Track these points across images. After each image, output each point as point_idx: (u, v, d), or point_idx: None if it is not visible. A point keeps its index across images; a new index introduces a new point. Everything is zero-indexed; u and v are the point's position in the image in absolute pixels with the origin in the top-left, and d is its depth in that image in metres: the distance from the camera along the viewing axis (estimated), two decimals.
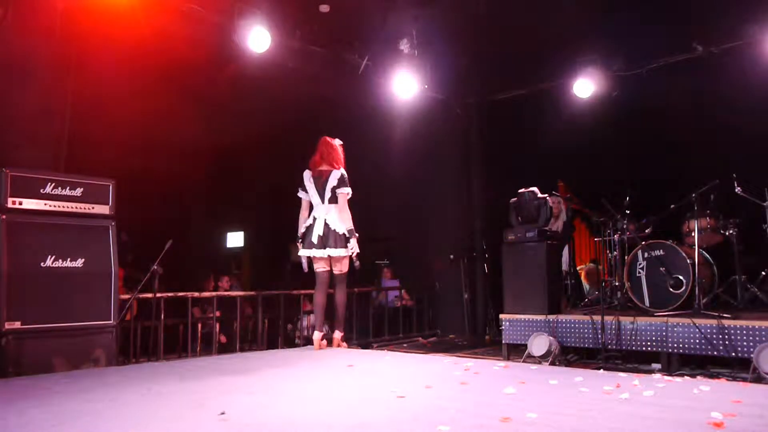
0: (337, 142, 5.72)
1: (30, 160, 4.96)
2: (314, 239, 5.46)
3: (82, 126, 6.23)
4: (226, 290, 8.67)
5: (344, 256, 5.52)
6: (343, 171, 5.58)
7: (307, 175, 5.66)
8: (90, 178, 5.04)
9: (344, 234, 5.46)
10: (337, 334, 5.72)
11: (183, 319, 6.57)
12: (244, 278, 10.41)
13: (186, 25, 6.03)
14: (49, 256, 4.68)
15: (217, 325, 6.78)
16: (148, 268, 5.64)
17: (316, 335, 5.53)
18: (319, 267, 5.61)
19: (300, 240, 5.60)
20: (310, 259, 5.58)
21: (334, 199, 5.51)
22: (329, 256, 5.47)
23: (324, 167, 5.60)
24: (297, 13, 6.79)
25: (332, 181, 5.51)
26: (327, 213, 5.51)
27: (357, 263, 5.56)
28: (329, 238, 5.43)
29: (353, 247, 5.47)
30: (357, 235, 5.53)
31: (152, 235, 6.29)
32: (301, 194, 5.70)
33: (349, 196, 5.58)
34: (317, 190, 5.57)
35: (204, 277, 8.93)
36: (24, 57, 5.05)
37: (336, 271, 5.62)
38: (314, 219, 5.55)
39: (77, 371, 4.60)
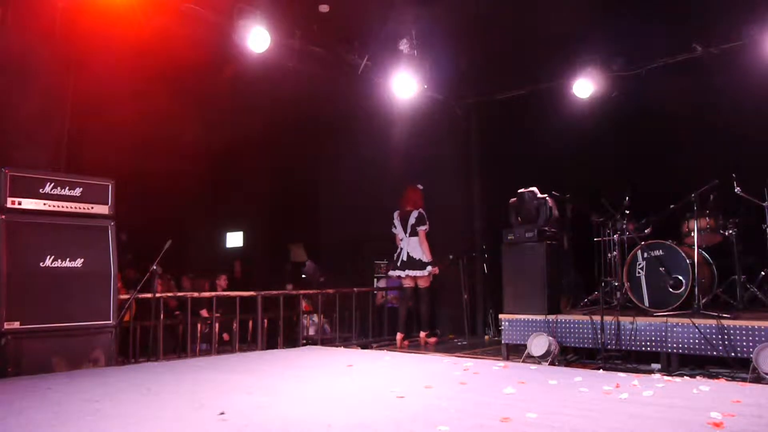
0: (419, 187, 7.51)
1: (29, 160, 4.95)
2: (399, 264, 7.35)
3: (82, 126, 6.23)
4: (224, 289, 8.66)
5: (423, 276, 7.30)
6: (421, 210, 7.33)
7: (396, 215, 7.49)
8: (89, 178, 5.05)
9: (420, 259, 7.25)
10: (422, 334, 7.39)
11: (182, 319, 6.58)
12: (238, 278, 10.35)
13: (185, 25, 6.02)
14: (49, 256, 4.68)
15: (217, 325, 6.77)
16: (147, 269, 5.64)
17: (399, 336, 7.29)
18: (405, 283, 7.48)
19: (390, 263, 7.61)
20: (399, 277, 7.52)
21: (413, 233, 7.29)
22: (409, 276, 7.33)
23: (408, 208, 7.37)
24: (296, 13, 6.78)
25: (412, 219, 7.29)
26: (408, 244, 7.31)
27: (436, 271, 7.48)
28: (409, 263, 7.27)
29: (430, 270, 7.32)
30: (434, 261, 7.39)
31: (152, 236, 6.29)
32: (393, 230, 7.50)
33: (427, 231, 7.31)
34: (402, 226, 7.38)
35: (200, 277, 8.92)
36: (24, 57, 5.04)
37: (420, 285, 7.38)
38: (400, 249, 7.38)
39: (76, 371, 4.60)
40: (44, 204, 4.75)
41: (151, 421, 2.94)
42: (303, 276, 9.79)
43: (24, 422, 2.92)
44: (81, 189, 4.95)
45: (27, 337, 4.47)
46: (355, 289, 7.63)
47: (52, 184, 4.80)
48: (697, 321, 4.96)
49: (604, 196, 6.19)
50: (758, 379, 4.44)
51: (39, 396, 3.58)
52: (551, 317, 5.75)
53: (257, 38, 6.12)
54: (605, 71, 7.31)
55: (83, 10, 5.28)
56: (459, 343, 7.59)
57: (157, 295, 5.74)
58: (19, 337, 4.43)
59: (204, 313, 7.44)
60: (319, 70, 7.29)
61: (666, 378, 4.13)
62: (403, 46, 7.38)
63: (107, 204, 5.09)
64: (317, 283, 9.28)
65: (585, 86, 7.37)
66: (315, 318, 8.18)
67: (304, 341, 7.40)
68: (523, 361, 5.52)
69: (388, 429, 2.72)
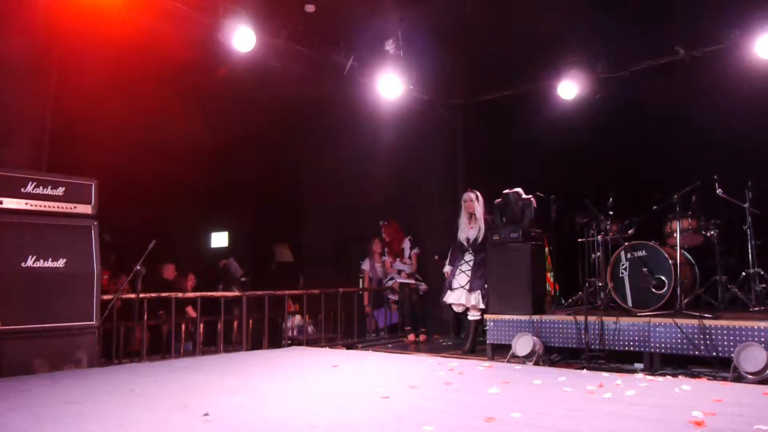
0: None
1: (11, 159, 4.89)
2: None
3: (66, 125, 6.15)
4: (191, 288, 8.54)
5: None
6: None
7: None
8: (72, 177, 4.99)
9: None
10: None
11: (166, 320, 6.52)
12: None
13: (171, 24, 5.97)
14: (30, 257, 4.63)
15: (201, 326, 6.73)
16: (131, 269, 5.58)
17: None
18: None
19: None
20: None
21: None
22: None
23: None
24: (282, 12, 6.75)
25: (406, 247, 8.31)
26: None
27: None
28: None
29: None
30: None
31: (136, 235, 6.23)
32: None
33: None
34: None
35: (183, 275, 8.83)
36: (4, 54, 4.97)
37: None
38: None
39: (59, 372, 4.55)
40: (26, 203, 4.69)
41: (134, 422, 2.92)
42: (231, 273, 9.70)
43: (4, 424, 2.88)
44: (63, 188, 4.90)
45: (8, 338, 4.41)
46: (340, 289, 7.62)
47: (34, 184, 4.75)
48: (680, 321, 5.01)
49: (587, 197, 6.23)
50: (739, 378, 4.49)
51: (20, 398, 3.54)
52: (536, 317, 5.77)
53: (242, 38, 6.09)
54: (589, 73, 7.36)
55: (66, 7, 5.22)
56: (444, 343, 7.61)
57: (141, 295, 5.68)
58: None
59: (190, 311, 7.37)
60: (304, 71, 7.27)
61: (649, 377, 4.17)
62: (389, 46, 7.37)
63: (90, 204, 5.04)
64: (238, 281, 9.23)
65: (569, 88, 7.42)
66: (299, 318, 8.16)
67: (289, 342, 7.37)
68: (508, 361, 5.54)
69: (373, 429, 2.72)
